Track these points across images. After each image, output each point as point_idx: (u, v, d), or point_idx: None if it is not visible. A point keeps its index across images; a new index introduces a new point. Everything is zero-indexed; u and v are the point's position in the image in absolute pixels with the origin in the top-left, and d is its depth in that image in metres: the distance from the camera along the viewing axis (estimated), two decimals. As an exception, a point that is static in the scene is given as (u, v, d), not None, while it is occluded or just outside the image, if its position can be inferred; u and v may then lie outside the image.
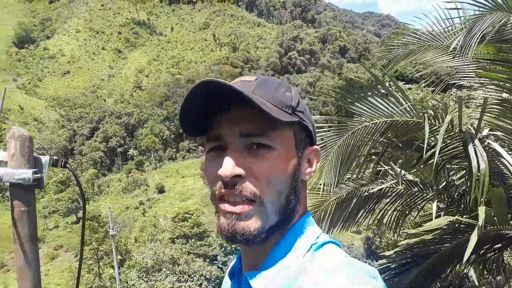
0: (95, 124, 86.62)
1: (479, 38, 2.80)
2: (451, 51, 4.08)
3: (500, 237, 2.87)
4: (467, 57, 3.16)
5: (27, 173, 1.00)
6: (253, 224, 0.68)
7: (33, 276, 1.01)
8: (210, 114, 0.72)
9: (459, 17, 3.94)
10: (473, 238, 2.29)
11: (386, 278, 3.25)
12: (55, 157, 1.11)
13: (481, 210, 2.39)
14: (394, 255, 3.41)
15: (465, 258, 2.29)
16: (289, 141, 0.73)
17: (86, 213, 34.82)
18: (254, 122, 0.69)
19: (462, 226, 2.94)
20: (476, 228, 2.34)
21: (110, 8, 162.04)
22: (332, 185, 3.57)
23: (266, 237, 0.70)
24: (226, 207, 0.70)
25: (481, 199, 2.54)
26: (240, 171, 0.68)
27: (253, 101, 0.64)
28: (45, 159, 1.08)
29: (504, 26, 2.82)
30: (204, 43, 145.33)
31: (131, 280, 21.35)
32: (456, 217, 2.86)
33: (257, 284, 0.70)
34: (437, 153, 2.68)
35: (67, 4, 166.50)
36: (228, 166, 0.67)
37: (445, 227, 2.89)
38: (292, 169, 0.73)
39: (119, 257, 31.05)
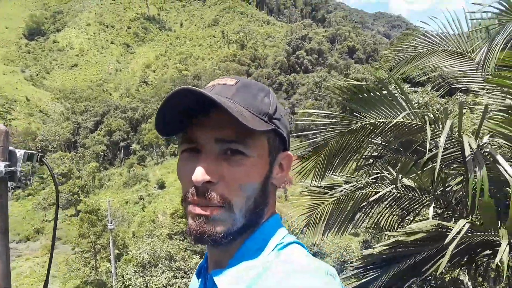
0: (100, 117, 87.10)
1: (499, 47, 2.72)
2: (461, 54, 3.97)
3: (489, 243, 2.80)
4: (488, 70, 3.09)
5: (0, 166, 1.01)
6: (220, 228, 0.71)
7: (2, 269, 1.01)
8: (188, 115, 0.74)
9: (478, 19, 3.81)
10: (450, 248, 2.28)
11: (371, 274, 3.28)
12: (30, 152, 1.11)
13: (461, 222, 2.40)
14: (376, 253, 3.38)
15: (444, 263, 2.24)
16: (263, 148, 0.75)
17: (86, 206, 35.03)
18: (230, 129, 0.70)
19: (446, 230, 2.87)
20: (453, 235, 2.33)
21: (121, 3, 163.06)
22: (322, 177, 3.54)
23: (232, 239, 0.73)
24: (195, 209, 0.72)
25: (476, 205, 2.49)
26: (211, 177, 0.70)
27: (229, 112, 0.66)
28: (20, 152, 1.08)
29: None
30: (212, 40, 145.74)
31: (127, 274, 21.38)
32: (438, 221, 2.83)
33: (221, 282, 0.72)
34: (439, 158, 2.60)
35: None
36: (200, 173, 0.70)
37: (432, 230, 2.83)
38: (264, 175, 0.76)
39: (116, 251, 31.17)
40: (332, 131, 3.57)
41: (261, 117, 0.74)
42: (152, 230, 31.47)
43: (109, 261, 29.84)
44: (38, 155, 1.12)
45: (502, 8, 2.97)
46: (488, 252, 3.13)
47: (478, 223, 2.59)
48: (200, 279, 0.83)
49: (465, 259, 3.16)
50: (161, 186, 62.36)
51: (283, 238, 0.76)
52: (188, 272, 21.46)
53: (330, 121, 3.69)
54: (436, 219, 3.33)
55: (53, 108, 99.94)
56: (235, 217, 0.71)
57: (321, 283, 0.64)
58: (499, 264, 2.27)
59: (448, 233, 2.79)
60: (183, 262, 21.82)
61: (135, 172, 68.98)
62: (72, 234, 43.92)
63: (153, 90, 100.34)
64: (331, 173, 3.89)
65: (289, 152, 0.82)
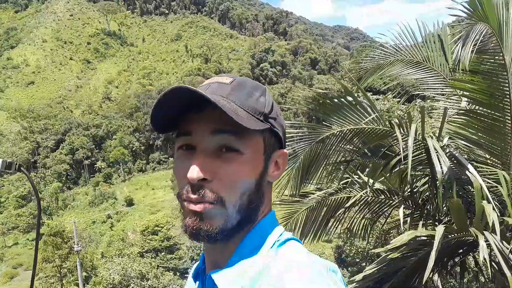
0: (61, 136, 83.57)
1: (470, 49, 2.88)
2: (418, 62, 4.23)
3: (461, 243, 2.95)
4: (462, 70, 3.27)
5: None
6: (215, 223, 0.71)
7: None
8: (184, 111, 0.73)
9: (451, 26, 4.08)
10: (432, 255, 2.37)
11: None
12: (8, 160, 1.08)
13: (439, 229, 2.49)
14: (366, 274, 3.43)
15: (428, 271, 2.34)
16: (258, 146, 0.75)
17: (50, 228, 33.30)
18: (227, 123, 0.70)
19: (425, 238, 3.00)
20: (435, 244, 2.41)
21: (79, 18, 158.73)
22: (298, 190, 3.60)
23: (228, 236, 0.73)
24: (189, 205, 0.72)
25: (444, 205, 2.61)
26: (206, 174, 0.70)
27: (224, 112, 0.66)
28: None
29: (484, 36, 2.92)
30: (176, 54, 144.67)
31: (97, 298, 20.56)
32: (419, 231, 2.93)
33: (221, 281, 0.71)
34: (409, 161, 2.76)
35: (34, 13, 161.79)
36: (195, 170, 0.70)
37: (411, 242, 2.94)
38: (258, 173, 0.75)
39: (84, 274, 29.76)
40: (301, 142, 3.65)
41: (256, 116, 0.74)
42: (122, 249, 30.39)
43: (77, 285, 28.43)
44: (16, 164, 1.11)
45: (467, 12, 3.11)
46: (460, 251, 3.28)
47: (451, 224, 2.73)
48: (197, 282, 0.83)
49: (443, 261, 3.27)
50: (130, 203, 60.49)
51: (281, 235, 0.77)
52: (161, 291, 20.88)
53: (297, 132, 3.78)
54: (413, 229, 3.44)
55: (9, 128, 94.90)
56: (227, 213, 0.71)
57: (323, 279, 0.64)
58: (483, 261, 2.40)
59: (426, 240, 2.93)
60: (156, 280, 21.20)
61: (102, 190, 66.51)
62: (34, 259, 41.45)
63: (116, 106, 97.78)
64: (305, 183, 3.94)
65: (284, 150, 0.82)
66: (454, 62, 3.14)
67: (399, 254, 2.90)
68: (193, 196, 0.71)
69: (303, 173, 3.71)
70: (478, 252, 3.49)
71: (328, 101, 3.45)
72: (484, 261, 2.47)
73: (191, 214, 0.72)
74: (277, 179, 0.81)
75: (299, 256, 0.70)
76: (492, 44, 3.09)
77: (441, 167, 2.70)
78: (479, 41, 2.88)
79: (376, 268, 3.17)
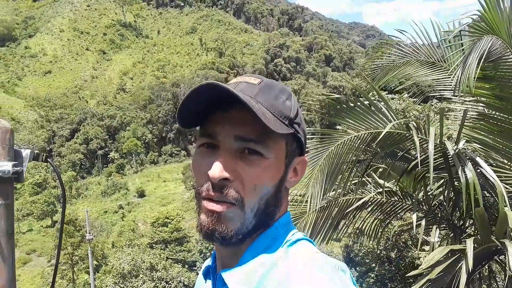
0: (76, 125, 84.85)
1: (475, 69, 2.85)
2: (438, 66, 4.16)
3: (484, 253, 2.90)
4: (467, 93, 3.23)
5: (6, 166, 0.97)
6: (231, 226, 0.71)
7: (8, 272, 0.99)
8: (209, 109, 0.74)
9: (448, 31, 4.01)
10: (464, 273, 2.34)
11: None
12: (36, 151, 1.09)
13: (469, 242, 2.46)
14: None
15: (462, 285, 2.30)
16: (280, 151, 0.74)
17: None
18: (251, 128, 0.70)
19: (457, 252, 2.94)
20: (469, 259, 2.38)
21: (96, 9, 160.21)
22: (319, 199, 3.55)
23: (242, 239, 0.72)
24: (208, 205, 0.71)
25: (470, 210, 2.56)
26: (229, 174, 0.70)
27: (253, 111, 0.66)
28: (25, 152, 1.05)
29: (490, 47, 2.88)
30: (190, 47, 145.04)
31: (106, 286, 20.83)
32: (448, 246, 2.86)
33: (231, 280, 0.71)
34: (431, 165, 2.70)
35: (52, 3, 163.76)
36: (218, 169, 0.69)
37: (442, 258, 2.88)
38: (278, 178, 0.75)
39: (95, 262, 30.32)
40: (318, 149, 3.60)
41: (282, 119, 0.74)
42: (132, 240, 30.81)
43: (87, 272, 28.98)
44: (43, 154, 1.10)
45: (475, 26, 3.10)
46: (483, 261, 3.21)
47: (474, 234, 2.68)
48: (207, 280, 0.83)
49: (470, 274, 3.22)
50: (141, 194, 61.16)
51: (292, 235, 0.77)
52: (170, 282, 21.10)
53: (312, 139, 3.72)
54: (445, 245, 3.35)
55: (26, 116, 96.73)
56: (245, 217, 0.71)
57: (332, 279, 0.64)
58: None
59: (457, 254, 2.87)
60: (165, 272, 21.44)
61: (114, 181, 67.36)
62: (48, 246, 42.45)
63: (131, 97, 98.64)
64: (323, 191, 3.85)
65: (304, 157, 0.82)
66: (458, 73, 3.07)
67: (435, 275, 2.83)
68: (214, 194, 0.71)
69: (323, 181, 3.61)
70: (494, 260, 3.45)
71: (343, 105, 3.40)
72: (502, 268, 2.43)
73: (208, 213, 0.71)
74: (294, 185, 0.81)
75: (308, 255, 0.70)
76: (499, 53, 3.05)
77: (464, 173, 2.64)
78: (486, 51, 2.85)
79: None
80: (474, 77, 2.76)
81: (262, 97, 0.73)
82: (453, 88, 3.60)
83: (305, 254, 0.71)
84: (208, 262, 0.86)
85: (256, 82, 0.76)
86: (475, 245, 2.73)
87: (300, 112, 0.80)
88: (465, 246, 2.52)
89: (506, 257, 2.38)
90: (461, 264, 2.51)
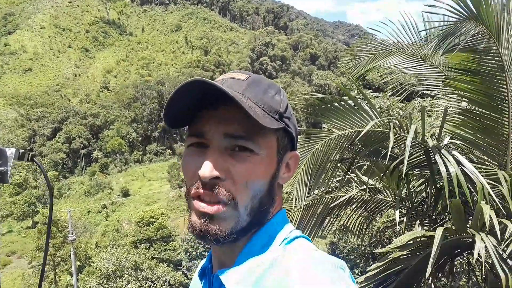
0: (58, 124, 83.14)
1: (448, 47, 2.87)
2: (418, 58, 4.20)
3: (459, 244, 2.96)
4: (436, 63, 3.25)
5: None
6: (224, 226, 0.70)
7: None
8: (197, 108, 0.72)
9: (432, 21, 4.06)
10: (432, 257, 2.38)
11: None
12: (21, 150, 1.04)
13: (439, 230, 2.49)
14: (368, 276, 3.43)
15: (428, 273, 2.34)
16: (272, 146, 0.73)
17: (44, 217, 33.24)
18: (240, 124, 0.69)
19: (425, 238, 3.00)
20: (434, 246, 2.41)
21: (78, 6, 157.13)
22: (304, 196, 3.57)
23: (236, 239, 0.71)
24: (200, 206, 0.70)
25: (440, 205, 2.61)
26: (219, 173, 0.69)
27: (242, 106, 0.65)
28: (10, 151, 1.01)
29: (475, 36, 2.91)
30: (175, 45, 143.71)
31: (90, 287, 20.55)
32: (419, 232, 2.92)
33: (228, 280, 0.70)
34: (405, 162, 2.73)
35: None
36: (208, 168, 0.68)
37: (411, 242, 2.94)
38: (271, 174, 0.74)
39: (78, 263, 29.81)
40: (304, 147, 3.61)
41: (271, 114, 0.72)
42: (117, 240, 30.45)
43: (70, 274, 28.49)
44: (29, 153, 1.07)
45: (456, 11, 3.11)
46: (456, 251, 3.28)
47: (450, 226, 2.74)
48: (203, 281, 0.82)
49: (440, 262, 3.28)
50: (125, 194, 60.41)
51: (289, 233, 0.75)
52: (155, 282, 20.93)
53: (300, 137, 3.73)
54: (420, 230, 3.42)
55: (5, 115, 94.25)
56: (239, 215, 0.70)
57: (331, 277, 0.63)
58: (477, 260, 2.40)
59: (425, 240, 2.92)
60: (150, 271, 21.27)
61: (97, 180, 66.39)
62: (28, 247, 41.49)
63: (115, 96, 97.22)
64: (308, 189, 3.87)
65: (296, 152, 0.80)
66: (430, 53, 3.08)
67: (400, 255, 2.89)
68: (205, 192, 0.69)
69: (307, 179, 3.64)
70: (472, 252, 3.52)
71: (328, 104, 3.42)
72: (477, 261, 2.48)
73: (200, 214, 0.70)
74: (287, 181, 0.79)
75: (307, 253, 0.69)
76: (485, 45, 3.08)
77: (446, 168, 2.68)
78: (466, 41, 2.87)
79: (378, 270, 3.16)
80: (452, 58, 2.75)
81: (250, 93, 0.72)
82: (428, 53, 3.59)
83: (303, 252, 0.70)
84: (204, 262, 0.85)
85: (243, 78, 0.75)
86: (448, 235, 2.77)
87: (289, 106, 0.78)
88: (433, 233, 2.57)
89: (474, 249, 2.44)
90: (429, 250, 2.55)
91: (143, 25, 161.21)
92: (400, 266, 3.02)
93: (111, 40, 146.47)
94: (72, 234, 24.78)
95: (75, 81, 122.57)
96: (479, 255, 2.38)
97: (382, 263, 3.00)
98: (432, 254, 2.37)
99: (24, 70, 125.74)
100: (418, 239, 2.97)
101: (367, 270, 3.29)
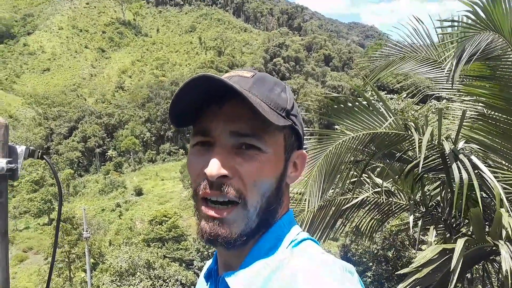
0: (74, 123, 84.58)
1: (466, 59, 2.83)
2: (433, 62, 4.15)
3: (479, 253, 2.89)
4: (457, 80, 3.20)
5: (0, 162, 0.95)
6: (235, 228, 0.68)
7: (2, 270, 0.97)
8: (202, 105, 0.70)
9: (447, 27, 4.00)
10: (455, 269, 2.31)
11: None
12: (31, 147, 1.06)
13: (460, 242, 2.44)
14: None
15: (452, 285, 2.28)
16: (279, 144, 0.72)
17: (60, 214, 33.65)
18: (246, 122, 0.68)
19: (448, 252, 2.93)
20: (454, 257, 2.36)
21: (95, 7, 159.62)
22: (318, 198, 3.53)
23: (246, 241, 0.70)
24: (209, 211, 0.69)
25: (462, 213, 2.54)
26: (227, 171, 0.67)
27: (250, 102, 0.63)
28: (20, 148, 1.02)
29: (489, 44, 2.87)
30: (189, 46, 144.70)
31: (103, 284, 20.79)
32: (440, 246, 2.84)
33: (235, 283, 0.69)
34: (421, 164, 2.69)
35: (51, 0, 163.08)
36: (215, 166, 0.66)
37: (436, 256, 2.86)
38: (278, 173, 0.72)
39: (92, 260, 30.27)
40: (316, 149, 3.58)
41: (278, 111, 0.71)
42: (130, 238, 30.79)
43: (84, 271, 28.95)
44: (39, 151, 1.07)
45: (470, 21, 3.08)
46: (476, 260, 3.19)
47: (466, 231, 2.67)
48: (209, 283, 0.81)
49: (462, 273, 3.20)
50: (139, 193, 61.00)
51: (297, 235, 0.74)
52: (167, 280, 21.09)
53: (310, 139, 3.70)
54: (438, 243, 3.33)
55: (24, 114, 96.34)
56: (248, 215, 0.69)
57: (339, 280, 0.62)
58: (506, 272, 2.34)
59: (447, 253, 2.85)
60: (162, 270, 21.43)
61: (112, 179, 67.19)
62: (45, 243, 42.37)
63: (129, 95, 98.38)
64: (322, 191, 3.81)
65: (303, 151, 0.79)
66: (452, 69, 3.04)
67: (425, 273, 2.81)
68: (213, 192, 0.68)
69: (321, 182, 3.58)
70: (490, 259, 3.45)
71: (341, 105, 3.39)
72: (507, 272, 2.40)
73: (209, 218, 0.69)
74: (295, 181, 0.78)
75: (314, 256, 0.68)
76: (499, 51, 3.03)
77: (460, 173, 2.62)
78: (482, 49, 2.82)
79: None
80: (467, 69, 2.71)
81: (256, 90, 0.71)
82: (447, 79, 3.57)
83: (311, 255, 0.68)
84: (210, 263, 0.84)
85: (249, 75, 0.73)
86: (469, 245, 2.71)
87: (295, 104, 0.77)
88: (454, 245, 2.51)
89: (501, 259, 2.37)
90: (450, 264, 2.49)
91: (158, 26, 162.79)
92: (425, 283, 2.94)
93: (127, 41, 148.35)
94: (87, 231, 25.17)
95: (91, 81, 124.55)
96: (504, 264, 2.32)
97: (406, 283, 2.91)
98: (453, 266, 2.31)
99: (42, 70, 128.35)
100: (439, 254, 2.90)
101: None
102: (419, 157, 2.72)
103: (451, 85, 4.04)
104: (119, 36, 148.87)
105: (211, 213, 0.68)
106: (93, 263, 30.51)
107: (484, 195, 3.26)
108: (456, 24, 3.49)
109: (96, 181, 70.16)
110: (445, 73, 3.67)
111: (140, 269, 21.05)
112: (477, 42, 2.89)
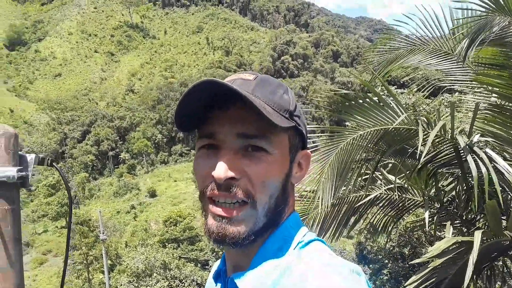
0: (87, 127, 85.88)
1: (478, 42, 2.76)
2: (444, 53, 4.07)
3: (497, 247, 2.84)
4: (467, 62, 3.12)
5: (11, 171, 0.95)
6: (242, 228, 0.69)
7: (16, 277, 0.98)
8: (206, 110, 0.71)
9: (460, 18, 3.93)
10: (471, 263, 2.29)
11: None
12: (41, 155, 1.08)
13: (477, 234, 2.38)
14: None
15: (467, 280, 2.24)
16: (284, 145, 0.73)
17: (77, 217, 34.40)
18: (252, 124, 0.68)
19: (464, 244, 2.88)
20: (474, 251, 2.30)
21: (103, 11, 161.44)
22: (330, 196, 3.50)
23: (253, 241, 0.70)
24: (216, 210, 0.69)
25: (479, 207, 2.49)
26: (234, 173, 0.68)
27: (254, 105, 0.64)
28: (30, 157, 1.04)
29: (504, 29, 2.80)
30: (197, 47, 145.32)
31: (121, 285, 21.05)
32: (456, 237, 2.79)
33: (243, 284, 0.70)
34: (423, 157, 2.64)
35: (60, 6, 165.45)
36: (223, 168, 0.67)
37: (448, 249, 2.82)
38: (284, 173, 0.73)
39: (109, 262, 30.70)
40: (328, 146, 3.54)
41: (282, 113, 0.72)
42: (145, 239, 31.13)
43: (102, 272, 29.37)
44: (48, 159, 1.10)
45: (485, 4, 3.00)
46: (493, 255, 3.13)
47: (482, 225, 2.61)
48: (218, 283, 0.81)
49: (479, 267, 3.14)
50: (152, 194, 61.64)
51: (304, 236, 0.75)
52: (183, 281, 21.25)
53: (320, 136, 3.66)
54: (456, 235, 3.28)
55: (38, 119, 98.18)
56: (257, 215, 0.69)
57: (346, 282, 0.62)
58: None
59: (463, 247, 2.80)
60: (178, 271, 21.59)
61: (125, 181, 68.08)
62: (63, 246, 43.19)
63: (139, 98, 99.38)
64: (334, 189, 3.77)
65: (308, 151, 0.80)
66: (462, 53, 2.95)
67: (439, 264, 2.76)
68: (221, 193, 0.69)
69: (333, 180, 3.53)
70: (509, 256, 3.38)
71: (352, 101, 3.34)
72: None
73: (217, 217, 0.69)
74: (300, 180, 0.79)
75: (322, 257, 0.68)
76: None
77: (478, 167, 2.56)
78: (495, 33, 2.75)
79: (417, 282, 3.03)
80: (479, 54, 2.63)
81: (259, 92, 0.71)
82: (457, 58, 3.47)
83: (318, 257, 0.69)
84: (218, 264, 0.84)
85: (251, 78, 0.74)
86: (486, 239, 2.66)
87: (298, 105, 0.78)
88: (473, 238, 2.47)
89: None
90: (468, 256, 2.45)
91: (165, 27, 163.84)
92: (439, 276, 2.90)
93: (135, 44, 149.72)
94: (103, 233, 25.51)
95: (101, 85, 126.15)
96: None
97: (420, 275, 2.87)
98: (471, 260, 2.27)
99: (54, 75, 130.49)
100: (455, 246, 2.85)
101: (405, 285, 3.14)
102: (428, 151, 2.67)
103: (463, 70, 3.97)
104: (127, 39, 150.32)
105: (220, 212, 0.69)
106: (110, 265, 30.93)
107: (500, 189, 3.20)
108: (468, 6, 3.37)
109: (111, 184, 71.10)
110: (457, 53, 3.57)
111: (156, 269, 21.24)
112: (490, 25, 2.82)
